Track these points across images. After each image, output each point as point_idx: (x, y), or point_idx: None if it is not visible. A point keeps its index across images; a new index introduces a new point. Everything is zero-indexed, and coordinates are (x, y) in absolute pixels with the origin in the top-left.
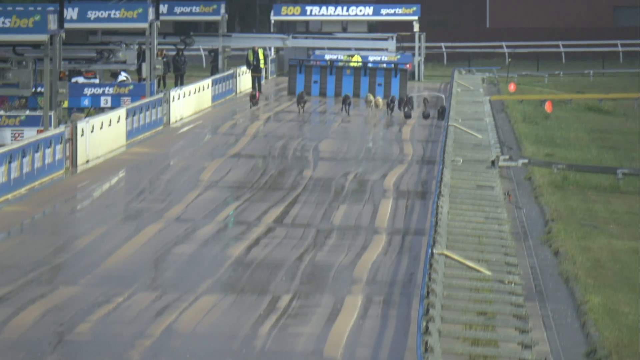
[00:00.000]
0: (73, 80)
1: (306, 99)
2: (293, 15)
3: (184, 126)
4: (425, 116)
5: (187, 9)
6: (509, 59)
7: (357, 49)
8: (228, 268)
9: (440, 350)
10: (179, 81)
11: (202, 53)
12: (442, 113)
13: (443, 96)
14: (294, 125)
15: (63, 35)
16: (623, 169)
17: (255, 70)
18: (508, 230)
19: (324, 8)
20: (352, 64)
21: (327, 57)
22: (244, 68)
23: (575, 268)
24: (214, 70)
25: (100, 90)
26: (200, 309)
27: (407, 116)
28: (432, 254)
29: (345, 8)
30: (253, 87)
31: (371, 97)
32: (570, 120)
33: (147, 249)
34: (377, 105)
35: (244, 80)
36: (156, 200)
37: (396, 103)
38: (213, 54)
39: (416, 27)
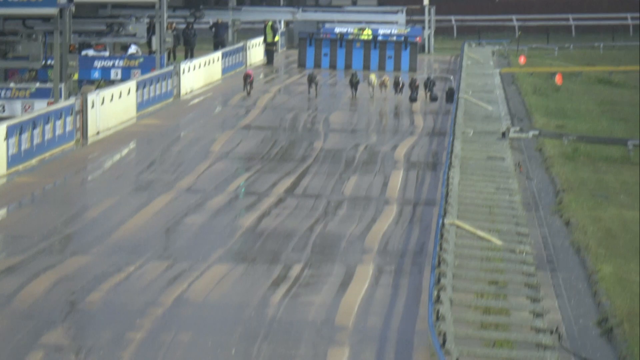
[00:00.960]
0: (83, 53)
1: (318, 79)
2: None
3: (194, 98)
4: (433, 98)
5: None
6: (519, 32)
7: (366, 22)
8: (239, 238)
9: (451, 318)
10: (189, 54)
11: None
12: (451, 95)
13: (451, 77)
14: (304, 97)
15: (73, 8)
16: (633, 140)
17: (267, 44)
18: (519, 201)
19: None
20: (362, 37)
21: (337, 30)
22: (254, 41)
23: (586, 238)
24: (216, 45)
25: (110, 63)
26: (211, 278)
27: (413, 99)
28: (443, 224)
29: None
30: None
31: (373, 79)
32: (581, 92)
33: (158, 219)
34: (384, 86)
35: (254, 53)
36: (167, 172)
37: (406, 85)
38: (214, 28)
39: (426, 1)
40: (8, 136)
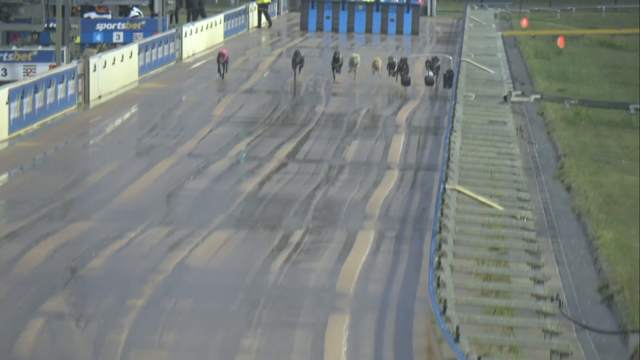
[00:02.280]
0: (85, 15)
1: (302, 57)
2: None
3: (196, 62)
4: (429, 82)
5: None
6: None
7: None
8: (240, 203)
9: (452, 285)
10: (191, 17)
11: None
12: (449, 79)
13: (450, 57)
14: (306, 60)
15: None
16: (635, 104)
17: (259, 5)
18: (520, 166)
19: None
20: (364, 0)
21: None
22: (254, 4)
23: (587, 203)
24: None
25: (112, 26)
26: (212, 244)
27: (406, 82)
28: (444, 189)
29: None
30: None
31: (357, 59)
32: (583, 55)
33: (159, 184)
34: (376, 68)
35: (256, 15)
36: (168, 136)
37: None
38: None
39: None
40: (10, 100)
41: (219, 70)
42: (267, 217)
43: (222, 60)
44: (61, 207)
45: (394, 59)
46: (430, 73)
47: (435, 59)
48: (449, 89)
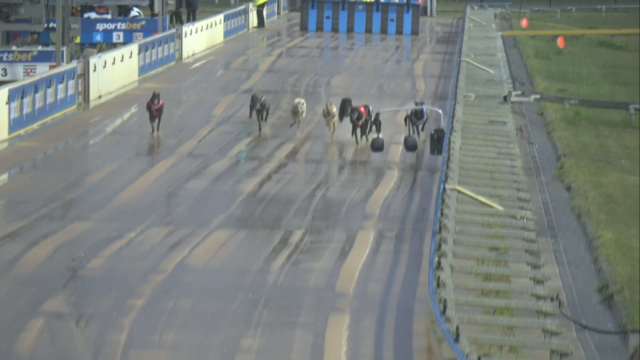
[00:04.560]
0: (85, 15)
1: (264, 102)
2: None
3: (196, 62)
4: (410, 146)
5: None
6: None
7: None
8: (240, 203)
9: (452, 285)
10: (191, 17)
11: None
12: (440, 141)
13: (440, 112)
14: (306, 60)
15: None
16: (635, 104)
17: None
18: (520, 166)
19: None
20: (364, 0)
21: None
22: (252, 4)
23: (587, 203)
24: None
25: (112, 26)
26: (212, 244)
27: (377, 148)
28: (444, 189)
29: None
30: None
31: (303, 106)
32: (583, 55)
33: (159, 184)
34: (328, 113)
35: (256, 16)
36: (168, 136)
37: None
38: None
39: None
40: (10, 100)
41: (151, 122)
42: (267, 217)
43: (154, 107)
44: (61, 207)
45: (360, 109)
46: (413, 133)
47: (418, 113)
48: (438, 156)
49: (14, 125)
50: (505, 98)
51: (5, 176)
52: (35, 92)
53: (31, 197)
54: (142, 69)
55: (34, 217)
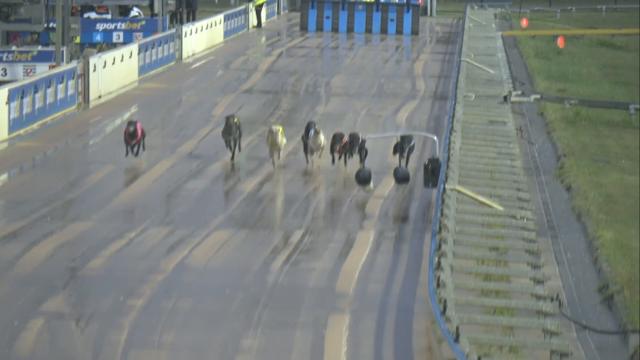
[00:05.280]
0: (85, 15)
1: (239, 126)
2: None
3: (196, 62)
4: (400, 177)
5: None
6: None
7: None
8: (240, 203)
9: (452, 285)
10: (191, 17)
11: None
12: (435, 172)
13: (435, 138)
14: (306, 60)
15: None
16: (635, 104)
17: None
18: (520, 166)
19: None
20: (364, 0)
21: None
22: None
23: (587, 203)
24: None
25: (112, 26)
26: (212, 244)
27: (362, 179)
28: (444, 189)
29: None
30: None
31: (279, 135)
32: (583, 55)
33: (159, 184)
34: (315, 146)
35: (255, 16)
36: (168, 136)
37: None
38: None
39: None
40: (10, 100)
41: (127, 151)
42: (267, 217)
43: (133, 139)
44: (61, 207)
45: (343, 135)
46: (402, 163)
47: (406, 139)
48: (432, 188)
49: (13, 125)
50: (505, 98)
51: (5, 176)
52: (35, 92)
53: (31, 197)
54: (142, 69)
55: (34, 217)
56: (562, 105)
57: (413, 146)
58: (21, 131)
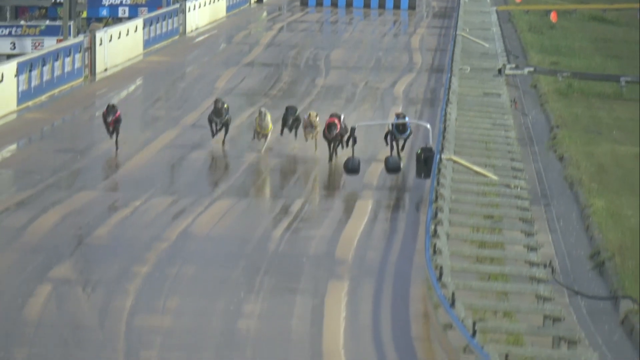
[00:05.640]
0: None
1: (226, 122)
2: None
3: (199, 36)
4: (391, 167)
5: None
6: None
7: None
8: (242, 173)
9: (448, 252)
10: None
11: None
12: (427, 162)
13: (429, 126)
14: (306, 34)
15: None
16: (626, 77)
17: None
18: (514, 136)
19: None
20: None
21: None
22: None
23: (579, 173)
24: None
25: (118, 1)
26: (215, 212)
27: (351, 169)
28: (440, 159)
29: None
30: None
31: (266, 119)
32: (575, 29)
33: (163, 154)
34: (311, 126)
35: None
36: (172, 108)
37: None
38: None
39: None
40: (18, 73)
41: (109, 134)
42: (268, 186)
43: (110, 119)
44: (68, 176)
45: (335, 122)
46: (393, 153)
47: (400, 127)
48: (426, 179)
49: (22, 97)
50: (499, 71)
51: (13, 147)
52: (43, 65)
53: (39, 167)
54: (147, 43)
55: (42, 186)
56: (555, 77)
57: (409, 134)
58: (29, 103)
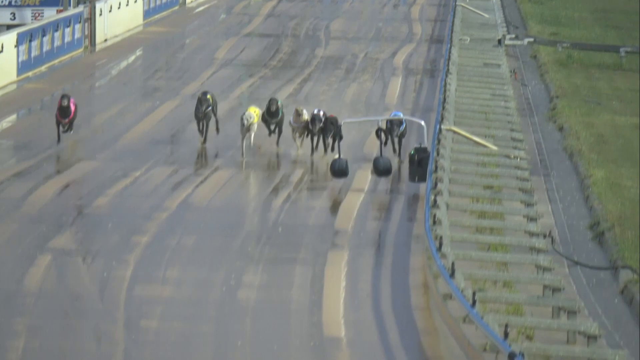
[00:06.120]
0: None
1: (208, 114)
2: None
3: (199, 6)
4: (381, 170)
5: None
6: None
7: None
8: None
9: (448, 222)
10: None
11: None
12: (422, 164)
13: (423, 123)
14: (306, 5)
15: None
16: (626, 47)
17: None
18: (514, 107)
19: None
20: None
21: None
22: None
23: (579, 143)
24: None
25: None
26: (215, 183)
27: (338, 172)
28: (440, 129)
29: None
30: None
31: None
32: (575, 0)
33: (163, 125)
34: (299, 117)
35: None
36: (172, 78)
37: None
38: None
39: None
40: (18, 43)
41: (58, 133)
42: (268, 156)
43: (66, 117)
44: (68, 147)
45: (320, 114)
46: (392, 151)
47: (395, 124)
48: (422, 182)
49: (22, 67)
50: (499, 41)
51: (13, 117)
52: (43, 35)
53: (39, 138)
54: (147, 13)
55: (42, 157)
56: (554, 48)
57: (405, 131)
58: (29, 73)
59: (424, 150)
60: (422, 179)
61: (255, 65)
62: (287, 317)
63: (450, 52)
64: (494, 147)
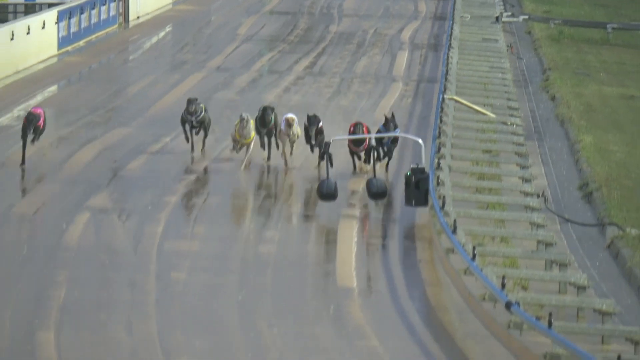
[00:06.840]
0: None
1: (201, 120)
2: None
3: None
4: (376, 193)
5: None
6: None
7: None
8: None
9: (450, 183)
10: None
11: None
12: (421, 185)
13: (420, 141)
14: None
15: None
16: (612, 24)
17: None
18: (510, 78)
19: None
20: None
21: None
22: None
23: (569, 111)
24: None
25: None
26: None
27: (326, 194)
28: (443, 99)
29: None
30: None
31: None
32: None
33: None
34: (290, 129)
35: None
36: (199, 52)
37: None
38: None
39: None
40: (59, 20)
41: (24, 142)
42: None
43: (32, 125)
44: (104, 115)
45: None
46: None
47: (390, 123)
48: (423, 206)
49: (62, 42)
50: (497, 18)
51: (54, 87)
52: (81, 13)
53: (77, 106)
54: None
55: (80, 123)
56: (547, 25)
57: (396, 139)
58: (69, 48)
59: (422, 170)
60: (420, 202)
61: (274, 40)
62: (303, 270)
63: (452, 28)
64: (492, 115)
